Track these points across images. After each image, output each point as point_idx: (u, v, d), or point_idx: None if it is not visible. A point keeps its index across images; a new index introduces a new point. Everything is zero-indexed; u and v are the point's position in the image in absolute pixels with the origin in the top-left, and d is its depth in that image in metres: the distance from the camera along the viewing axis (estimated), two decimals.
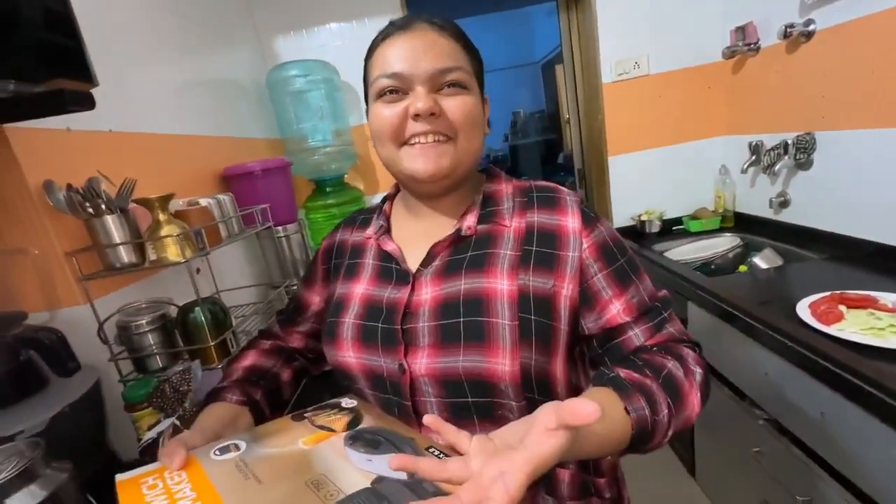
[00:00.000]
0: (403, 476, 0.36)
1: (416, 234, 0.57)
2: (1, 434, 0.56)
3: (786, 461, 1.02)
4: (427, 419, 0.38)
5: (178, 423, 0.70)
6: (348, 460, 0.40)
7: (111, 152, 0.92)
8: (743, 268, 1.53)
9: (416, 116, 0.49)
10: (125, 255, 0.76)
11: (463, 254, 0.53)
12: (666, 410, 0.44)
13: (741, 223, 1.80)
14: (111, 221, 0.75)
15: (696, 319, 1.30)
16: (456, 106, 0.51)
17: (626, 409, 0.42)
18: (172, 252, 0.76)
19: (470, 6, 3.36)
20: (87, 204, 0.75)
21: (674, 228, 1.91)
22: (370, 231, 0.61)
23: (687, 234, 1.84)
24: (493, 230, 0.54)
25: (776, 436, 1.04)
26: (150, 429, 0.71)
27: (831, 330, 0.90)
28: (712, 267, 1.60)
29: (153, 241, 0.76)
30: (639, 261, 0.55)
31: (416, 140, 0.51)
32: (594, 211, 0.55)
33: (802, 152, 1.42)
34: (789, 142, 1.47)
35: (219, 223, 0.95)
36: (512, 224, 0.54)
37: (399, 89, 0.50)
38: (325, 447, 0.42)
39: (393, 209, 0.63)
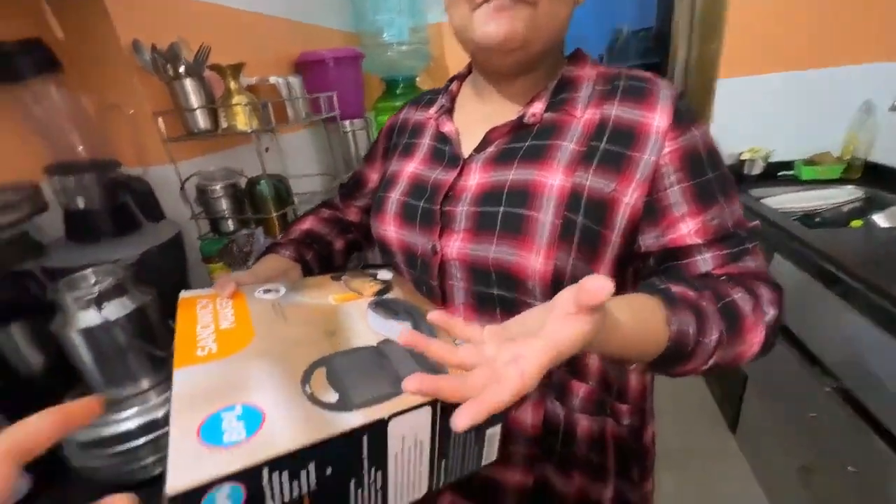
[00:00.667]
0: None
1: (479, 118, 0.53)
2: (102, 259, 0.66)
3: (844, 431, 0.94)
4: (432, 315, 0.33)
5: None
6: (366, 321, 0.42)
7: (191, 20, 0.94)
8: (857, 223, 1.30)
9: None
10: (201, 120, 0.81)
11: (521, 142, 0.49)
12: (716, 335, 0.39)
13: (870, 175, 1.50)
14: (189, 85, 0.78)
15: (781, 273, 1.16)
16: None
17: (668, 318, 0.38)
18: (241, 121, 0.79)
19: None
20: (169, 66, 0.78)
21: (779, 174, 1.64)
22: (432, 111, 0.58)
23: (794, 182, 1.58)
24: (559, 120, 0.49)
25: (841, 404, 0.95)
26: None
27: None
28: (817, 220, 1.38)
29: (225, 107, 0.79)
30: (734, 182, 0.47)
31: None
32: (694, 110, 0.46)
33: None
34: None
35: (286, 101, 0.96)
36: (584, 115, 0.48)
37: None
38: (350, 306, 0.45)
39: (461, 90, 0.59)
